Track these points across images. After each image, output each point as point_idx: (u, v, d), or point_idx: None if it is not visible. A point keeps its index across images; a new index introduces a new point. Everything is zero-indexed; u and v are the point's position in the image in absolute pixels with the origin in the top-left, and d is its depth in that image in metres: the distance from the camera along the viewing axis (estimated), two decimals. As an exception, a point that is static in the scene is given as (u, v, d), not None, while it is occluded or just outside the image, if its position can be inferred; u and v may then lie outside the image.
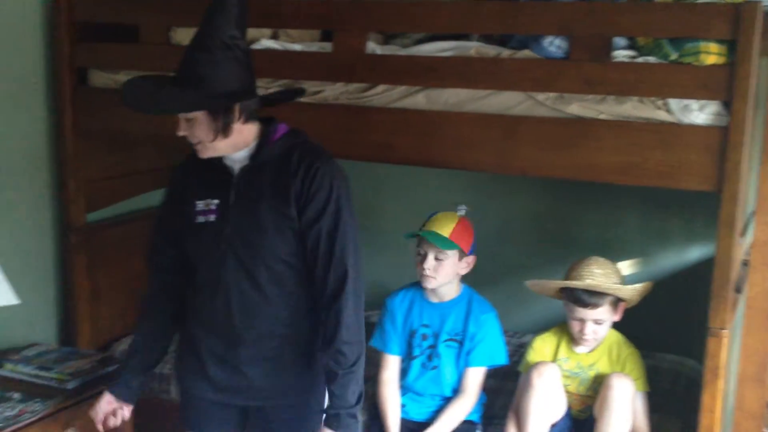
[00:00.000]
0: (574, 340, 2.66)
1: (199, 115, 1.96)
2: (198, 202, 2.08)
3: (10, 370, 2.87)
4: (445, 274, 2.66)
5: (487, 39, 2.70)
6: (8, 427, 2.51)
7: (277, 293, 2.08)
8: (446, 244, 2.61)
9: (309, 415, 2.22)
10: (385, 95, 2.60)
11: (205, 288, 2.12)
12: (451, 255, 2.64)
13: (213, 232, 2.06)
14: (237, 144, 2.03)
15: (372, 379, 2.92)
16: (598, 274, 2.54)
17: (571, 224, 3.57)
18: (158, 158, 3.48)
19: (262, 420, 2.20)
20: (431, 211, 2.76)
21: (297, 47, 2.76)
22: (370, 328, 2.96)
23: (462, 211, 2.71)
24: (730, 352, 2.42)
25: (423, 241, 2.66)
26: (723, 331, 2.30)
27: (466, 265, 2.71)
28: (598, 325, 2.57)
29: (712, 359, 2.31)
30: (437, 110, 2.54)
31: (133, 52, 2.97)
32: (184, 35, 2.88)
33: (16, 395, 2.69)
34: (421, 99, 2.56)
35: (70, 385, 2.78)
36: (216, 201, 2.07)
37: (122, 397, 2.33)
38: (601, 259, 2.62)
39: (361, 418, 2.32)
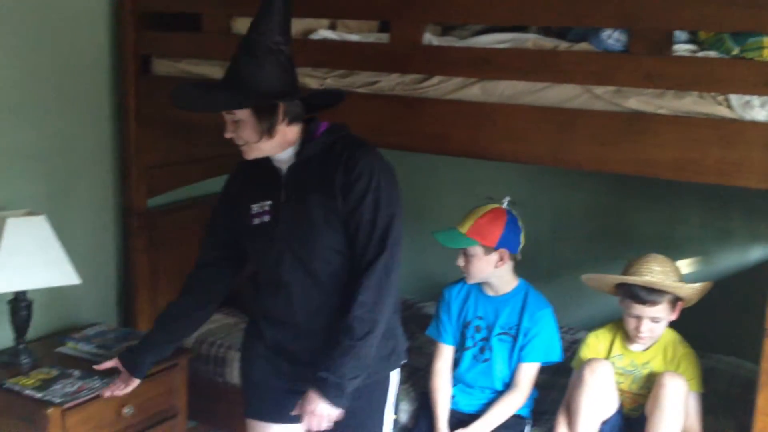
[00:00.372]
0: (629, 337, 2.62)
1: (245, 117, 2.03)
2: (253, 206, 2.16)
3: (71, 348, 2.97)
4: (477, 269, 2.67)
5: (546, 31, 2.68)
6: (68, 402, 2.60)
7: (334, 285, 2.13)
8: (459, 241, 2.61)
9: (375, 407, 2.26)
10: (440, 87, 2.59)
11: (267, 286, 2.20)
12: (477, 251, 2.64)
13: (268, 232, 2.13)
14: (282, 145, 2.10)
15: (424, 369, 2.94)
16: (657, 272, 2.50)
17: (629, 221, 3.52)
18: (216, 146, 3.51)
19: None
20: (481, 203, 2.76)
21: (354, 38, 2.77)
22: (425, 320, 2.98)
23: (506, 203, 2.69)
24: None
25: None
26: (779, 332, 2.25)
27: (498, 259, 2.67)
28: (655, 323, 2.54)
29: (767, 361, 2.26)
30: (492, 102, 2.53)
31: (194, 41, 3.03)
32: (243, 24, 2.91)
33: (76, 372, 2.77)
34: (476, 91, 2.55)
35: (128, 365, 2.85)
36: (269, 202, 2.14)
37: (132, 370, 2.42)
38: (661, 257, 2.57)
39: (397, 335, 2.27)
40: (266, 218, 2.13)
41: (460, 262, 2.68)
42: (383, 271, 2.04)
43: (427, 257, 3.69)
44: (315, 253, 2.10)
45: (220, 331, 3.41)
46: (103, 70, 3.21)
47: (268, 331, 2.24)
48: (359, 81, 2.68)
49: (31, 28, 2.91)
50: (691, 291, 2.52)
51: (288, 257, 2.11)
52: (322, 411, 2.02)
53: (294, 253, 2.11)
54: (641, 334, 2.55)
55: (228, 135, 2.08)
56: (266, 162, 2.15)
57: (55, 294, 3.01)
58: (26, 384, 2.67)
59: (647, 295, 2.50)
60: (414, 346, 3.30)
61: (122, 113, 3.25)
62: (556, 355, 2.72)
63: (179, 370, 3.02)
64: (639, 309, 2.52)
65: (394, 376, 2.29)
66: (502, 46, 2.55)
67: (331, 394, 2.01)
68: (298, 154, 2.12)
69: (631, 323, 2.57)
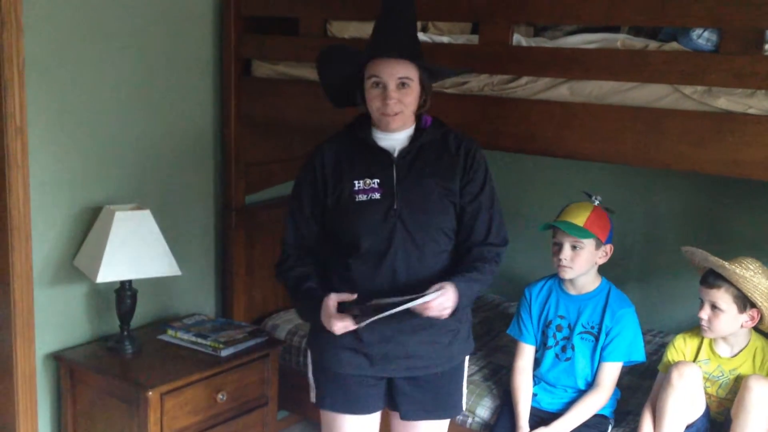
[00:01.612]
0: (714, 339, 2.59)
1: (415, 81, 2.16)
2: (356, 182, 2.22)
3: (171, 335, 3.12)
4: (582, 263, 2.67)
5: (636, 31, 2.68)
6: (164, 384, 2.76)
7: (435, 263, 2.23)
8: (581, 232, 2.61)
9: (455, 387, 2.36)
10: (528, 87, 2.63)
11: (369, 259, 2.21)
12: (588, 244, 2.65)
13: (381, 208, 2.20)
14: (409, 122, 2.23)
15: (507, 368, 2.97)
16: (745, 264, 2.48)
17: (724, 223, 3.44)
18: (309, 146, 3.63)
19: (414, 391, 2.29)
20: (570, 203, 2.77)
21: (445, 39, 2.83)
22: (509, 319, 3.01)
23: (597, 200, 2.70)
24: None
25: (558, 231, 2.68)
26: None
27: (603, 254, 2.71)
28: (716, 314, 2.51)
29: None
30: (580, 102, 2.54)
31: (292, 44, 3.14)
32: (339, 28, 3.02)
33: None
34: (564, 91, 2.57)
35: (224, 353, 2.99)
36: (376, 180, 2.21)
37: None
38: (751, 260, 2.53)
39: (470, 320, 2.41)
40: (376, 195, 2.19)
41: (566, 254, 2.66)
42: (497, 258, 2.26)
43: (513, 257, 3.71)
44: (427, 232, 2.21)
45: (311, 324, 3.50)
46: (207, 71, 3.35)
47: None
48: (449, 81, 2.73)
49: (140, 28, 3.06)
50: (752, 288, 2.46)
51: (401, 232, 2.18)
52: (448, 308, 2.11)
53: (407, 229, 2.19)
54: (702, 322, 2.54)
55: (392, 100, 2.14)
56: (372, 142, 2.23)
57: (158, 284, 3.17)
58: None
59: (713, 279, 2.51)
60: (499, 344, 3.34)
61: (224, 113, 3.39)
62: (639, 355, 2.71)
63: (271, 361, 3.13)
64: (703, 292, 2.54)
65: (467, 361, 2.42)
66: (591, 46, 2.56)
67: (460, 304, 2.13)
68: (414, 139, 2.23)
69: (699, 309, 2.56)
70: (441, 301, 2.07)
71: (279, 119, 3.28)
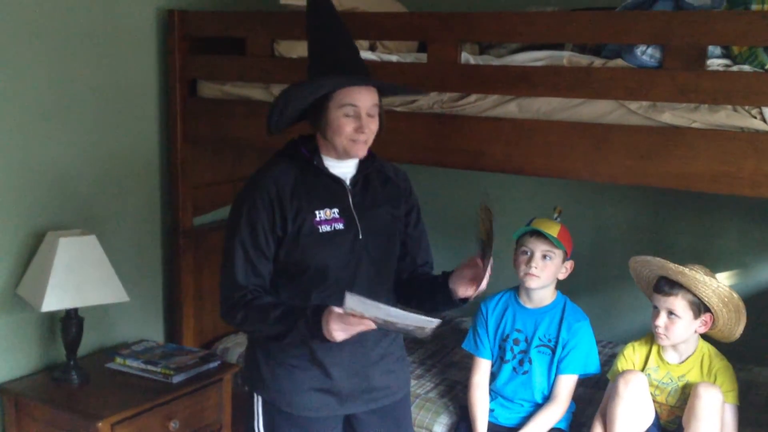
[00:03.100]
0: (665, 349, 2.64)
1: (378, 107, 2.11)
2: (318, 212, 2.11)
3: (119, 363, 3.04)
4: (549, 274, 2.70)
5: (581, 48, 2.73)
6: (114, 414, 2.69)
7: (390, 290, 2.24)
8: (557, 242, 2.65)
9: (408, 411, 2.37)
10: (477, 104, 2.65)
11: (336, 291, 2.04)
12: (558, 255, 2.69)
13: (347, 239, 2.12)
14: None
15: (462, 383, 2.97)
16: (699, 273, 2.52)
17: (668, 235, 3.52)
18: (260, 165, 3.61)
19: (378, 423, 2.26)
20: (522, 220, 2.79)
21: (394, 58, 2.85)
22: (462, 334, 3.02)
23: (558, 219, 2.73)
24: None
25: (528, 239, 2.70)
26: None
27: (565, 270, 2.75)
28: (672, 321, 2.54)
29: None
30: (529, 119, 2.58)
31: (239, 64, 3.12)
32: (287, 48, 3.01)
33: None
34: (513, 108, 2.60)
35: (175, 379, 2.93)
36: (336, 209, 2.13)
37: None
38: (699, 266, 2.58)
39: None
40: (340, 225, 2.12)
41: (537, 262, 2.67)
42: None
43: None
44: (388, 260, 2.22)
45: (263, 346, 3.46)
46: (152, 92, 3.31)
47: (329, 347, 2.07)
48: (399, 100, 2.74)
49: (83, 50, 3.01)
50: (711, 293, 2.51)
51: (365, 263, 2.14)
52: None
53: (372, 259, 2.15)
54: (658, 330, 2.57)
55: (362, 125, 2.05)
56: (325, 170, 2.13)
57: (104, 311, 3.10)
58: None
59: (669, 287, 2.55)
60: (452, 360, 3.35)
61: (170, 134, 3.34)
62: (594, 367, 2.74)
63: (224, 385, 3.08)
64: (659, 300, 2.57)
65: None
66: (538, 63, 2.60)
67: None
68: (361, 168, 2.18)
69: (652, 319, 2.60)
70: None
71: (227, 139, 3.25)
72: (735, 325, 2.59)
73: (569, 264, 2.75)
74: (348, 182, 2.17)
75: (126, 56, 3.19)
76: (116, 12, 3.12)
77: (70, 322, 2.86)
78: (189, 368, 2.99)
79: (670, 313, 2.55)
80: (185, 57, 3.26)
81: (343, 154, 2.12)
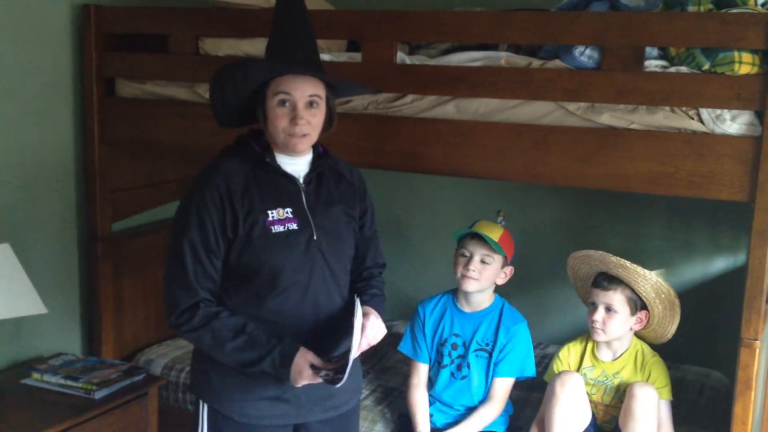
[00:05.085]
0: (598, 347, 2.65)
1: (323, 102, 2.03)
2: (270, 212, 2.02)
3: (36, 379, 2.88)
4: (487, 278, 2.67)
5: (516, 49, 2.71)
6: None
7: (345, 291, 2.16)
8: (497, 246, 2.62)
9: (357, 420, 2.33)
10: (414, 105, 2.61)
11: (291, 295, 2.04)
12: (497, 260, 2.66)
13: (301, 240, 2.03)
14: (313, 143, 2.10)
15: (397, 389, 2.93)
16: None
17: (595, 235, 3.56)
18: (183, 168, 3.50)
19: (334, 428, 2.19)
20: (460, 221, 2.77)
21: (326, 57, 2.77)
22: (396, 339, 2.97)
23: (502, 222, 2.71)
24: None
25: (469, 242, 2.67)
26: (755, 342, 2.28)
27: (504, 276, 2.72)
28: (610, 316, 2.56)
29: (744, 370, 2.29)
30: (467, 120, 2.54)
31: (161, 62, 2.99)
32: (212, 45, 2.90)
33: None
34: (450, 109, 2.57)
35: (98, 395, 2.79)
36: (289, 209, 2.04)
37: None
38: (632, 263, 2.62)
39: None
40: (293, 225, 2.02)
41: (475, 266, 2.65)
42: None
43: (399, 277, 3.71)
44: (342, 261, 2.14)
45: (189, 357, 3.33)
46: (66, 92, 3.15)
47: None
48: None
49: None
50: (648, 285, 2.54)
51: (320, 264, 2.06)
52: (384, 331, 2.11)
53: (326, 260, 2.07)
54: (594, 324, 2.59)
55: (301, 121, 1.97)
56: (279, 169, 2.04)
57: (17, 323, 2.94)
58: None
59: (607, 282, 2.57)
60: (386, 365, 3.29)
61: (86, 136, 3.19)
62: (530, 370, 2.73)
63: (149, 399, 2.96)
64: (597, 295, 2.58)
65: None
66: (475, 64, 2.57)
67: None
68: (315, 166, 2.11)
69: (589, 315, 2.62)
70: (379, 326, 2.07)
71: (148, 141, 3.11)
72: (669, 324, 2.63)
73: (509, 269, 2.73)
74: (302, 180, 2.08)
75: (38, 54, 3.02)
76: (27, 7, 2.95)
77: (-19, 337, 2.69)
78: (112, 383, 2.85)
79: (608, 308, 2.57)
80: (102, 54, 3.11)
81: (284, 150, 2.04)
